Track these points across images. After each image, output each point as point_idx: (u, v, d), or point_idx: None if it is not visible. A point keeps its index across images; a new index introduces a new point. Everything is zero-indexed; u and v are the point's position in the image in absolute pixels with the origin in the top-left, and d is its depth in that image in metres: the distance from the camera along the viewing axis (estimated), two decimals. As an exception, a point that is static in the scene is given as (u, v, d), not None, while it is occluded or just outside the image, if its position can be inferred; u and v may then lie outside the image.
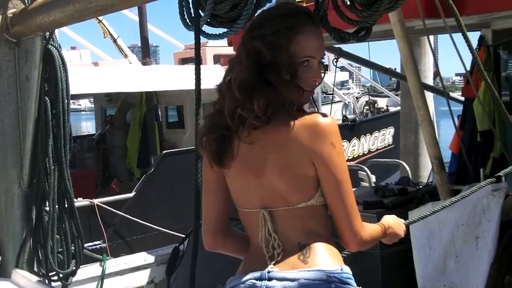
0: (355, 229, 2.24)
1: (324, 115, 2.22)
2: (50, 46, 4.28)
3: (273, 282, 2.20)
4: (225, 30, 2.77)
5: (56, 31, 4.42)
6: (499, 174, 4.23)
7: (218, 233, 2.46)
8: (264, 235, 2.28)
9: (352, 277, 2.26)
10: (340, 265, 2.24)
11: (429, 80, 10.17)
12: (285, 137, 2.19)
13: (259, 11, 2.63)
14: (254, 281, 2.24)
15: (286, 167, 2.20)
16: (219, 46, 15.46)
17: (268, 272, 2.23)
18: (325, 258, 2.24)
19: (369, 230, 2.33)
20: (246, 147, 2.25)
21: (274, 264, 2.25)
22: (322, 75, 2.32)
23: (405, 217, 4.18)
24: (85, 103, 58.44)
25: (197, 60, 3.02)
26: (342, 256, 2.37)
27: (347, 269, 2.26)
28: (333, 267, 2.22)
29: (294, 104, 2.21)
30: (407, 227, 2.79)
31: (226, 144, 2.27)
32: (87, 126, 39.33)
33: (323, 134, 2.17)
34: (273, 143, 2.21)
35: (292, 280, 2.19)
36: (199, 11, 2.72)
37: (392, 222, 2.56)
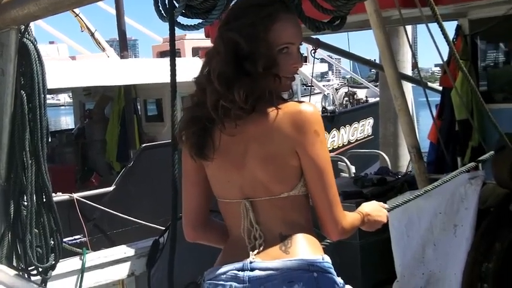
0: (336, 219, 2.25)
1: (306, 103, 2.23)
2: (25, 40, 4.23)
3: (256, 272, 2.21)
4: (200, 21, 2.75)
5: (33, 25, 4.38)
6: (479, 159, 4.27)
7: (198, 225, 2.46)
8: (246, 226, 2.27)
9: (332, 266, 2.27)
10: (321, 255, 2.26)
11: (408, 71, 10.20)
12: (267, 127, 2.18)
13: (234, 1, 2.61)
14: (236, 271, 2.24)
15: (268, 157, 2.20)
16: (197, 39, 15.41)
17: (251, 263, 2.23)
18: (306, 248, 2.25)
19: (350, 218, 2.35)
20: (227, 139, 2.24)
21: (255, 255, 2.24)
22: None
23: (384, 206, 4.23)
24: (64, 98, 58.01)
25: (172, 51, 2.99)
26: (322, 246, 2.38)
27: (327, 259, 2.27)
28: (314, 257, 2.23)
29: (273, 93, 2.21)
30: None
31: (207, 136, 2.26)
32: (66, 121, 39.12)
33: (306, 122, 2.17)
34: (254, 134, 2.20)
35: (275, 270, 2.19)
36: (174, 1, 2.70)
37: (370, 209, 2.56)
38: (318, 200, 2.25)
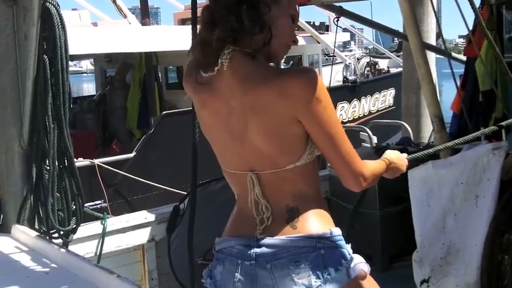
0: (356, 172, 2.21)
1: (305, 70, 2.16)
2: (48, 4, 4.23)
3: (263, 249, 2.19)
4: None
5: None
6: (501, 124, 4.23)
7: None
8: (253, 198, 2.24)
9: (342, 237, 2.24)
10: (329, 228, 2.22)
11: (432, 41, 10.08)
12: (266, 96, 2.11)
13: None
14: (243, 247, 2.23)
15: (270, 129, 2.14)
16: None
17: (257, 239, 2.21)
18: (314, 222, 2.21)
19: (371, 167, 2.30)
20: (228, 112, 2.19)
21: (263, 229, 2.22)
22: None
23: (405, 176, 4.21)
24: (86, 65, 58.34)
25: (193, 18, 2.98)
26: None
27: (336, 231, 2.23)
28: (322, 231, 2.19)
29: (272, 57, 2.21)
30: (405, 183, 2.77)
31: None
32: (88, 88, 39.30)
33: (306, 90, 2.09)
34: (253, 104, 2.13)
35: (281, 248, 2.17)
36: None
37: (395, 157, 2.56)
38: (333, 161, 2.22)
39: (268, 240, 2.20)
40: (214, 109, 2.23)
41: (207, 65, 2.20)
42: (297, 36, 2.31)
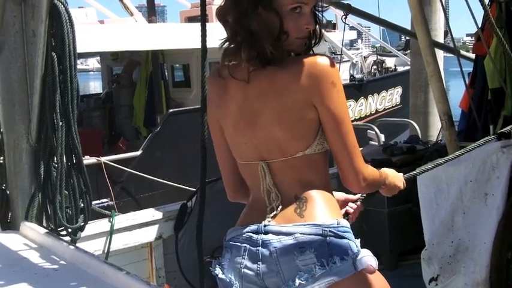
0: (356, 168, 2.22)
1: (322, 56, 2.20)
2: (56, 1, 4.24)
3: (269, 236, 2.21)
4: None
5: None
6: (503, 130, 4.19)
7: (238, 187, 2.49)
8: (265, 187, 2.28)
9: (349, 230, 2.24)
10: (336, 219, 2.22)
11: (440, 39, 10.04)
12: (282, 80, 2.17)
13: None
14: (251, 234, 2.26)
15: (285, 112, 2.19)
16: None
17: (265, 226, 2.23)
18: (321, 212, 2.22)
19: (371, 170, 2.31)
20: (243, 98, 2.25)
21: (272, 217, 2.25)
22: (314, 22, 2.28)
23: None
24: (93, 63, 58.59)
25: (203, 17, 2.97)
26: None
27: (344, 222, 2.24)
28: (329, 221, 2.20)
29: (283, 50, 2.21)
30: (412, 181, 2.72)
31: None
32: (95, 86, 39.43)
33: (323, 73, 2.15)
34: (270, 90, 2.19)
35: (287, 234, 2.18)
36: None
37: (391, 173, 2.52)
38: (337, 150, 2.23)
39: (275, 227, 2.22)
40: (232, 94, 2.28)
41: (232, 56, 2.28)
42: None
